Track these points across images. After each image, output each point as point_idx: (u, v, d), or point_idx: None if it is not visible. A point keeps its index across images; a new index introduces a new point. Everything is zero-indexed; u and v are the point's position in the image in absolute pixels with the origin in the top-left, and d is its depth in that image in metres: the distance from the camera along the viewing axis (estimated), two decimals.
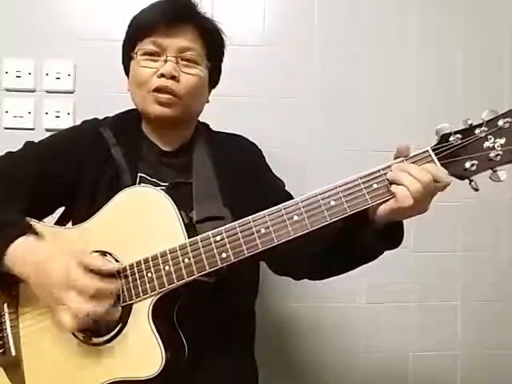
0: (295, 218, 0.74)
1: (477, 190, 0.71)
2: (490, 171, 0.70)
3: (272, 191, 0.96)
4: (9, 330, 0.83)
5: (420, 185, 0.68)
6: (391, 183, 0.71)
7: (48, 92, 1.39)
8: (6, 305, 0.84)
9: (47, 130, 1.37)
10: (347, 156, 1.44)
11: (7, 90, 1.38)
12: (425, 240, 1.43)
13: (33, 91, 1.39)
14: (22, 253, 0.77)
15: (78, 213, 0.91)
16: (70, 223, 0.95)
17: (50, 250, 0.77)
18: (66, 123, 1.36)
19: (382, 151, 1.40)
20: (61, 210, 0.98)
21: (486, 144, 0.70)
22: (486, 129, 0.70)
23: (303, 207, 0.74)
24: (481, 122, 0.71)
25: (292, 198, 0.91)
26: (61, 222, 0.96)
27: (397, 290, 1.43)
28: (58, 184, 0.91)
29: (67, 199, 0.94)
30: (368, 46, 1.47)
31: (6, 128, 1.37)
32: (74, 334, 0.79)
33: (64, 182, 0.91)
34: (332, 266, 0.88)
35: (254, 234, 0.74)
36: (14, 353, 0.82)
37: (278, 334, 1.41)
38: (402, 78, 1.48)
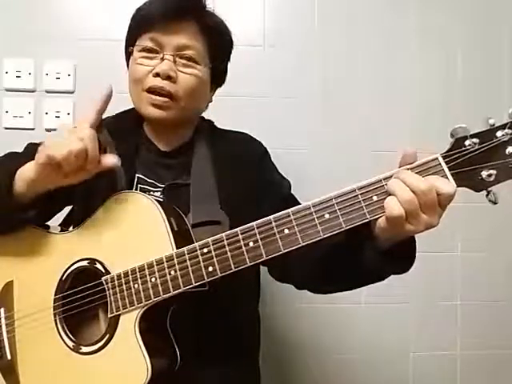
0: (286, 231, 0.68)
1: (495, 203, 0.62)
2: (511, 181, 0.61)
3: (273, 192, 0.92)
4: (5, 335, 0.83)
5: (411, 194, 0.61)
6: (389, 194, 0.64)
7: (48, 92, 1.39)
8: (2, 309, 0.84)
9: (47, 130, 1.37)
10: (347, 156, 1.44)
11: (7, 90, 1.38)
12: (425, 240, 1.43)
13: (33, 91, 1.39)
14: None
15: (76, 214, 0.91)
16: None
17: None
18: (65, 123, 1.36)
19: (382, 151, 1.42)
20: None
21: (510, 149, 0.60)
22: (510, 131, 0.61)
23: (295, 220, 0.67)
24: (505, 122, 0.61)
25: (296, 201, 0.89)
26: (66, 222, 0.95)
27: (397, 289, 1.43)
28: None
29: (67, 199, 0.93)
30: (368, 46, 1.47)
31: (6, 128, 1.37)
32: (64, 342, 0.79)
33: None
34: (332, 280, 0.81)
35: (241, 247, 0.70)
36: (9, 357, 0.82)
37: (278, 335, 1.41)
38: (402, 78, 1.47)
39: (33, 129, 1.38)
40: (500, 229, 1.48)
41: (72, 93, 1.40)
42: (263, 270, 1.01)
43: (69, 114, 1.38)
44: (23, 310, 0.82)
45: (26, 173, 0.75)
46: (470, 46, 1.49)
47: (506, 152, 0.61)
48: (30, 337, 0.81)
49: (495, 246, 1.48)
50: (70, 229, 0.87)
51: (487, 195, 0.63)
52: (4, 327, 0.83)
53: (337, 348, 1.43)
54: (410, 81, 1.47)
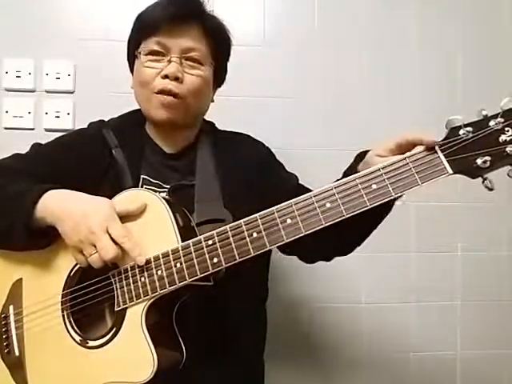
0: (288, 221, 0.70)
1: (491, 189, 0.64)
2: (508, 167, 0.63)
3: (280, 188, 0.94)
4: (13, 331, 0.84)
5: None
6: None
7: (48, 92, 1.39)
8: (11, 306, 0.85)
9: (47, 130, 1.37)
10: (348, 156, 1.43)
11: (7, 90, 1.38)
12: (425, 240, 1.44)
13: (33, 91, 1.39)
14: (59, 195, 0.80)
15: None
16: None
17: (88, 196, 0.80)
18: (65, 123, 1.36)
19: None
20: None
21: (503, 137, 0.62)
22: (502, 120, 0.63)
23: (297, 210, 0.70)
24: (497, 112, 0.63)
25: (306, 189, 0.90)
26: None
27: (397, 290, 1.43)
28: (64, 186, 0.91)
29: None
30: (368, 46, 1.47)
31: (6, 128, 1.37)
32: (72, 337, 0.80)
33: (69, 184, 0.91)
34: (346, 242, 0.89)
35: (245, 238, 0.72)
36: (17, 353, 0.83)
37: (279, 335, 1.40)
38: (402, 78, 1.47)
39: (33, 129, 1.38)
40: (500, 228, 1.47)
41: (72, 93, 1.39)
42: (271, 269, 1.01)
43: (69, 114, 1.37)
44: (32, 307, 0.83)
45: (47, 216, 0.78)
46: (470, 46, 1.49)
47: (500, 140, 0.62)
48: (37, 333, 0.82)
49: (495, 245, 1.48)
50: None
51: (483, 182, 0.64)
52: (13, 324, 0.84)
53: (337, 348, 1.43)
54: (410, 81, 1.47)
